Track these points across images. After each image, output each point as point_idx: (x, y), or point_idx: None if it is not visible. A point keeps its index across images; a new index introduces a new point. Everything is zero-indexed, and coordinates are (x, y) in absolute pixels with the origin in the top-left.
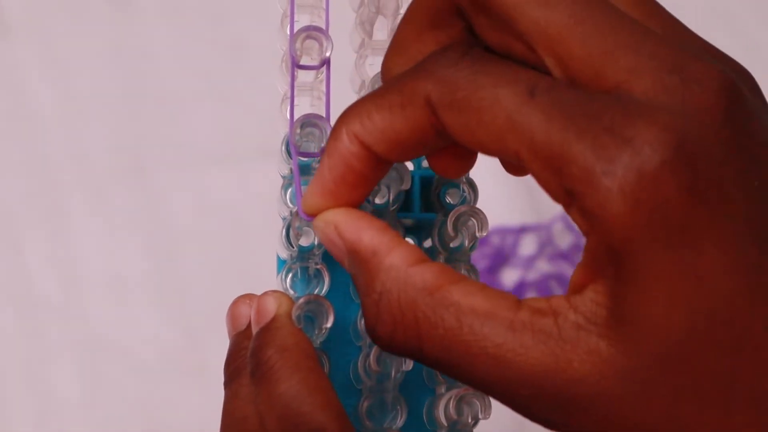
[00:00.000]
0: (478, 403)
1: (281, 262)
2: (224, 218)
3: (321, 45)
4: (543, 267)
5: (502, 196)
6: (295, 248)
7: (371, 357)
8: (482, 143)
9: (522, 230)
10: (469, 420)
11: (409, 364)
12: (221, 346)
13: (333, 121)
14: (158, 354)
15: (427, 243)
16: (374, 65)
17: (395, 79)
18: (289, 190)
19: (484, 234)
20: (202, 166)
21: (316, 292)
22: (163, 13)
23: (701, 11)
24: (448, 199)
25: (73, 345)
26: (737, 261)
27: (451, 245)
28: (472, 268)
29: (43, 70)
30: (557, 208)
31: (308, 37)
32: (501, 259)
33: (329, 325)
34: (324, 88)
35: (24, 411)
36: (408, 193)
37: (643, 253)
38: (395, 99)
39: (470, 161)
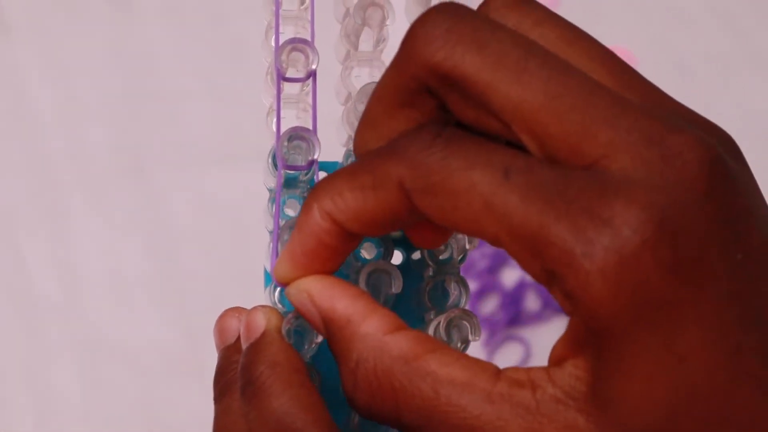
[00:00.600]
0: None
1: (269, 276)
2: (224, 218)
3: (307, 57)
4: None
5: None
6: None
7: None
8: (459, 225)
9: None
10: None
11: None
12: None
13: (320, 134)
14: (158, 354)
15: (416, 255)
16: (360, 77)
17: (367, 159)
18: (275, 203)
19: (474, 247)
20: (202, 166)
21: None
22: (163, 13)
23: (701, 11)
24: None
25: (73, 345)
26: (718, 339)
27: (440, 257)
28: (461, 281)
29: (43, 70)
30: None
31: (294, 49)
32: (501, 259)
33: (319, 340)
34: (310, 100)
35: (24, 411)
36: None
37: (624, 333)
38: (367, 180)
39: (448, 233)
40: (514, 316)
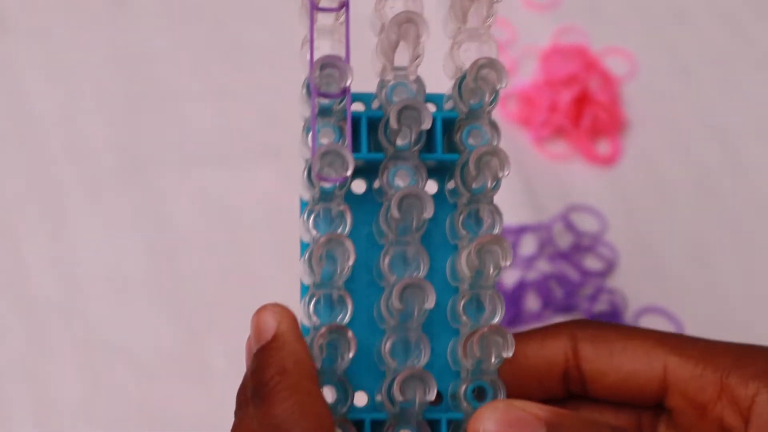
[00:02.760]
0: (501, 341)
1: (303, 204)
2: (224, 218)
3: None
4: (543, 267)
5: (502, 196)
6: (317, 189)
7: (394, 294)
8: None
9: (522, 230)
10: (493, 359)
11: (431, 303)
12: (221, 346)
13: (355, 64)
14: (158, 354)
15: (450, 184)
16: (394, 8)
17: None
18: (311, 131)
19: (506, 174)
20: (202, 166)
21: (339, 231)
22: (163, 13)
23: (701, 11)
24: (471, 140)
25: (73, 345)
26: None
27: (474, 186)
28: (495, 209)
29: (43, 69)
30: (557, 208)
31: None
32: None
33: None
34: (344, 31)
35: (24, 411)
36: (430, 134)
37: None
38: None
39: None
40: (514, 316)
